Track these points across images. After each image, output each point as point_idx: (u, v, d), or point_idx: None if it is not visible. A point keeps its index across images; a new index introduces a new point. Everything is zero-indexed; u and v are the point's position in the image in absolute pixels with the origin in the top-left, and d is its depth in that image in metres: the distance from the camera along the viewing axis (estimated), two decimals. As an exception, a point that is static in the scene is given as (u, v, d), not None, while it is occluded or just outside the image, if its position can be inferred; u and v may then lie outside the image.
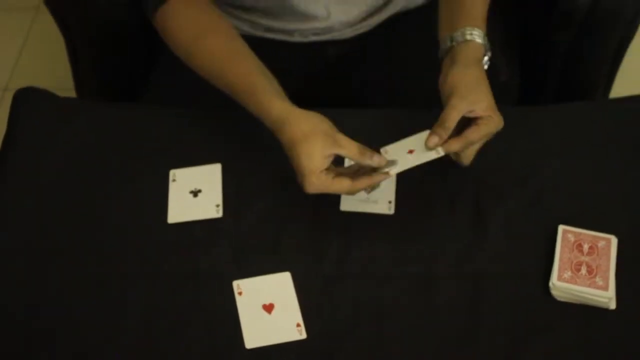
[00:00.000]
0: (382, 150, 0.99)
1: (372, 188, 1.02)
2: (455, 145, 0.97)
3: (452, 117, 0.96)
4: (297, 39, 1.24)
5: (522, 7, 1.39)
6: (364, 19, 1.24)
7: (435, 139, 0.96)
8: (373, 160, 0.96)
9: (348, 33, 1.24)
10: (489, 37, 1.10)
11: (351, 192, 0.98)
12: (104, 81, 1.44)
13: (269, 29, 1.23)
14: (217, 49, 1.08)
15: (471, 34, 1.03)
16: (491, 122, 0.97)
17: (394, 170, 0.97)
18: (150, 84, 1.30)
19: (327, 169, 0.96)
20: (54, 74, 1.22)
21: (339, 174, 0.97)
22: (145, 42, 1.35)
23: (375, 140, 1.04)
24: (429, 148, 0.96)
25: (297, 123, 0.97)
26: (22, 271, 0.99)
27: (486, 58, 1.05)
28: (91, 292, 0.96)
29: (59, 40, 1.47)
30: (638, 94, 1.14)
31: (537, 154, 1.07)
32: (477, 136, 0.98)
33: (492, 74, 1.04)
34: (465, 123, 0.98)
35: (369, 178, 0.97)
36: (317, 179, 0.95)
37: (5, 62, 2.14)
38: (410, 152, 0.98)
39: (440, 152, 0.97)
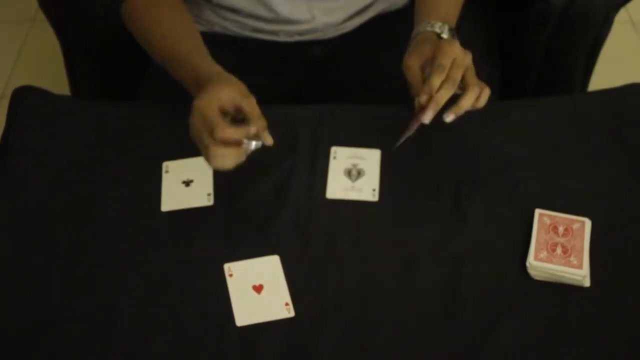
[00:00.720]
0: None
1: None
2: (433, 80, 1.00)
3: (413, 75, 1.02)
4: (282, 38, 1.28)
5: (499, 9, 1.45)
6: (347, 20, 1.29)
7: (430, 114, 1.00)
8: (264, 133, 0.97)
9: (331, 33, 1.29)
10: (468, 42, 1.15)
11: (216, 133, 0.95)
12: (100, 84, 1.48)
13: (255, 30, 1.28)
14: (166, 33, 1.15)
15: (428, 26, 1.09)
16: (443, 43, 1.02)
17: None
18: (143, 85, 1.34)
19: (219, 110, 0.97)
20: (50, 82, 1.25)
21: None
22: (140, 47, 1.40)
23: (369, 136, 1.09)
24: (426, 121, 1.01)
25: (223, 76, 1.03)
26: (22, 265, 1.01)
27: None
28: (88, 279, 0.99)
29: (54, 51, 1.51)
30: (610, 87, 1.19)
31: (514, 144, 1.12)
32: (444, 58, 1.00)
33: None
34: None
35: (237, 130, 0.96)
36: (208, 100, 0.97)
37: (2, 71, 2.18)
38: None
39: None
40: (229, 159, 0.97)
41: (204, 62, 1.09)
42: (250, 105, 0.99)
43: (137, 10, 1.19)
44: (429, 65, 1.03)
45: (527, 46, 1.39)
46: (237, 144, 0.97)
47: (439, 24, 1.10)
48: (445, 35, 1.09)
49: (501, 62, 1.43)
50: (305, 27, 1.27)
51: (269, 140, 0.98)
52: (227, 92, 0.99)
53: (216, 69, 1.07)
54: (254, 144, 0.98)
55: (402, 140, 1.04)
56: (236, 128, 0.97)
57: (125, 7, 1.20)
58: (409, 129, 1.03)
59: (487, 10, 1.44)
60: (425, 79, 1.02)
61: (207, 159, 0.98)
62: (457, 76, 1.01)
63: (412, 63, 1.04)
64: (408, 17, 1.19)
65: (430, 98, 1.00)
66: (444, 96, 1.00)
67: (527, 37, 1.38)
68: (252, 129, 0.97)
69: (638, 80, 1.20)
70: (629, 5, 1.39)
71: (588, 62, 1.40)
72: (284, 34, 1.28)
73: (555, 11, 1.31)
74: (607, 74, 1.48)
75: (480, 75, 1.24)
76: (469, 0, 1.18)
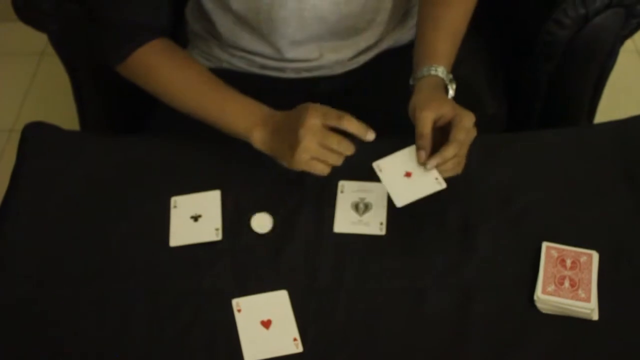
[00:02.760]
0: (374, 165, 1.05)
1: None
2: (449, 151, 1.02)
3: (424, 125, 1.03)
4: (289, 75, 1.30)
5: (505, 41, 1.46)
6: (354, 57, 1.31)
7: (422, 153, 1.02)
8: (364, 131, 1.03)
9: (338, 69, 1.30)
10: (474, 73, 1.16)
11: (342, 147, 1.03)
12: (109, 118, 1.49)
13: (263, 67, 1.29)
14: (185, 80, 1.16)
15: (435, 70, 1.11)
16: (464, 116, 1.03)
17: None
18: (152, 119, 1.36)
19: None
20: (59, 116, 1.27)
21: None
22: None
23: (372, 170, 1.09)
24: (421, 163, 1.02)
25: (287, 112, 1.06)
26: (31, 295, 1.02)
27: (451, 92, 1.12)
28: (96, 312, 1.00)
29: (63, 84, 1.52)
30: (617, 120, 1.19)
31: (521, 176, 1.12)
32: (462, 133, 1.02)
33: (479, 106, 1.10)
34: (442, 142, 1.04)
35: (357, 124, 1.03)
36: (311, 124, 1.01)
37: (12, 104, 2.20)
38: (408, 174, 1.04)
39: (442, 184, 1.03)
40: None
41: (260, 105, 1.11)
42: (348, 123, 1.04)
43: (140, 73, 1.19)
44: (440, 123, 1.04)
45: (532, 77, 1.40)
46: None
47: (442, 69, 1.11)
48: (449, 85, 1.11)
49: (507, 93, 1.44)
50: (312, 64, 1.29)
51: (370, 136, 1.03)
52: (316, 116, 1.03)
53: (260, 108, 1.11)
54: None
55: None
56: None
57: (125, 69, 1.20)
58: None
59: (492, 41, 1.45)
60: (436, 137, 1.04)
61: (322, 170, 1.05)
62: (465, 153, 1.05)
63: (427, 115, 1.04)
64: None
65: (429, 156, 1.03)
66: (451, 168, 1.04)
67: (532, 68, 1.38)
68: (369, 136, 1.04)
69: (642, 109, 1.21)
70: (635, 35, 1.40)
71: (594, 92, 1.40)
72: (291, 71, 1.30)
73: (560, 43, 1.32)
74: (614, 104, 1.48)
75: (486, 107, 1.25)
76: (475, 32, 1.19)
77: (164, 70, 1.17)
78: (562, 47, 1.32)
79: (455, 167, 1.05)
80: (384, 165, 1.05)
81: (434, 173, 1.03)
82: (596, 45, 1.33)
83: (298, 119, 1.03)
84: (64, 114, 1.56)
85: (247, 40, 1.26)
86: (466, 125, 1.03)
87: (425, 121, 1.03)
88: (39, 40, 1.70)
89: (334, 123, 1.03)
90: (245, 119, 1.10)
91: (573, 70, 1.36)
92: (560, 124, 1.41)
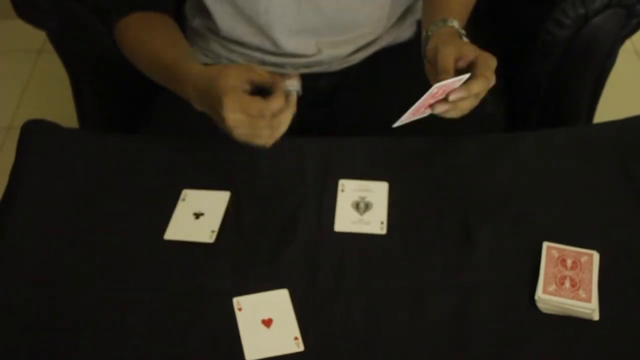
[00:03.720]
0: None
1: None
2: (476, 85, 1.01)
3: (447, 61, 1.02)
4: (288, 70, 1.30)
5: (504, 41, 1.46)
6: (353, 53, 1.31)
7: (443, 107, 1.01)
8: (286, 81, 1.00)
9: (337, 65, 1.30)
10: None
11: (268, 111, 0.99)
12: (107, 115, 1.49)
13: (261, 62, 1.29)
14: (152, 47, 1.18)
15: (450, 21, 1.11)
16: (488, 56, 1.03)
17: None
18: (150, 116, 1.36)
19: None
20: (57, 113, 1.27)
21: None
22: (146, 77, 1.41)
23: (376, 169, 1.10)
24: (437, 112, 1.02)
25: (213, 69, 1.04)
26: (31, 295, 1.02)
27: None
28: (97, 311, 1.00)
29: (60, 82, 1.52)
30: (616, 119, 1.19)
31: (521, 176, 1.12)
32: (489, 71, 1.02)
33: (478, 105, 1.10)
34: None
35: (283, 98, 1.00)
36: (234, 98, 0.98)
37: (10, 102, 2.20)
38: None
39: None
40: (286, 123, 1.01)
41: (191, 64, 1.11)
42: (259, 75, 1.02)
43: (128, 32, 1.22)
44: (461, 63, 1.04)
45: (531, 77, 1.40)
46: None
47: (457, 22, 1.11)
48: (464, 37, 1.11)
49: (506, 93, 1.44)
50: (311, 60, 1.29)
51: (295, 81, 1.01)
52: (236, 76, 1.01)
53: (206, 67, 1.09)
54: (296, 87, 1.03)
55: (405, 121, 1.04)
56: (277, 97, 1.00)
57: (117, 29, 1.23)
58: (416, 112, 1.03)
59: (491, 41, 1.45)
60: (460, 73, 1.02)
61: (266, 139, 1.02)
62: (483, 94, 1.04)
63: (451, 50, 1.03)
64: (412, 50, 1.20)
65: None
66: (467, 107, 1.03)
67: (531, 68, 1.39)
68: (289, 82, 1.01)
69: (641, 110, 1.21)
70: (634, 36, 1.40)
71: (593, 92, 1.41)
72: (290, 67, 1.30)
73: (560, 43, 1.32)
74: (613, 104, 1.49)
75: (484, 106, 1.25)
76: (474, 32, 1.19)
77: (146, 40, 1.20)
78: (562, 46, 1.33)
79: (470, 104, 1.04)
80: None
81: None
82: (595, 45, 1.33)
83: (216, 84, 1.01)
84: (62, 111, 1.56)
85: (246, 34, 1.26)
86: (491, 65, 1.03)
87: (449, 56, 1.02)
88: (37, 37, 1.71)
89: (251, 78, 1.02)
90: (181, 79, 1.10)
91: (572, 70, 1.36)
92: (559, 123, 1.41)
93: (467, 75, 1.01)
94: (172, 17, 1.25)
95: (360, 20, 1.27)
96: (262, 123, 1.00)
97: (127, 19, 1.22)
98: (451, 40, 1.07)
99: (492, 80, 1.03)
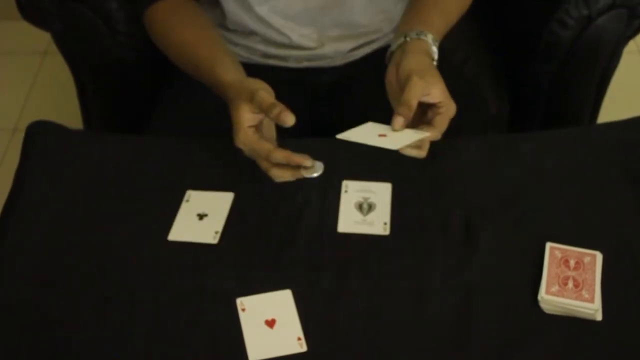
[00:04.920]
0: (339, 136, 1.03)
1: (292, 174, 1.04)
2: (431, 136, 1.02)
3: (414, 96, 1.01)
4: (291, 64, 1.30)
5: (507, 42, 1.46)
6: (356, 49, 1.31)
7: (400, 120, 1.01)
8: (280, 116, 1.00)
9: (340, 60, 1.31)
10: (477, 75, 1.16)
11: (269, 159, 1.02)
12: (112, 116, 1.50)
13: (265, 55, 1.30)
14: (186, 39, 1.19)
15: (425, 35, 1.09)
16: (451, 106, 1.03)
17: (310, 171, 1.03)
18: (155, 117, 1.36)
19: (257, 129, 1.03)
20: (62, 115, 1.27)
21: (265, 139, 1.03)
22: (150, 77, 1.42)
23: (380, 170, 1.10)
24: (395, 129, 1.01)
25: (236, 89, 1.06)
26: (34, 294, 1.02)
27: (434, 62, 1.11)
28: (99, 312, 1.00)
29: (65, 84, 1.53)
30: (620, 120, 1.19)
31: (524, 176, 1.12)
32: (446, 123, 1.03)
33: (482, 107, 1.10)
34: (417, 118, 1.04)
35: (288, 154, 1.01)
36: (244, 133, 1.02)
37: (15, 103, 2.21)
38: (381, 135, 1.03)
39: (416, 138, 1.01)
40: (287, 175, 1.03)
41: (220, 70, 1.12)
42: (259, 101, 1.02)
43: (158, 18, 1.22)
44: (424, 99, 1.03)
45: (535, 78, 1.40)
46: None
47: (431, 36, 1.10)
48: (434, 55, 1.10)
49: (510, 93, 1.44)
50: (314, 52, 1.29)
51: (289, 121, 1.00)
52: (246, 113, 1.02)
53: (227, 80, 1.10)
54: (314, 175, 1.03)
55: (351, 139, 1.04)
56: (286, 153, 1.01)
57: (147, 15, 1.23)
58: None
59: (495, 42, 1.46)
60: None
61: (269, 176, 1.04)
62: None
63: (419, 88, 1.02)
64: None
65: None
66: (415, 151, 1.05)
67: (535, 69, 1.39)
68: (307, 162, 1.02)
69: (647, 110, 1.21)
70: (638, 37, 1.40)
71: (597, 93, 1.41)
72: (293, 60, 1.30)
73: (563, 43, 1.32)
74: (617, 105, 1.49)
75: (488, 107, 1.25)
76: (478, 33, 1.19)
77: (177, 28, 1.20)
78: (565, 47, 1.33)
79: (422, 151, 1.05)
80: (350, 135, 1.04)
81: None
82: (599, 46, 1.33)
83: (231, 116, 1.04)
84: (67, 113, 1.56)
85: (252, 24, 1.27)
86: (450, 116, 1.03)
87: (417, 93, 1.02)
88: (42, 39, 1.71)
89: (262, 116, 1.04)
90: (213, 82, 1.12)
91: (576, 71, 1.36)
92: (563, 124, 1.41)
93: (425, 135, 1.02)
94: (198, 4, 1.26)
95: (363, 20, 1.27)
96: (265, 163, 1.03)
97: (156, 5, 1.22)
98: (425, 72, 1.05)
99: (443, 130, 1.04)
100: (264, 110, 1.01)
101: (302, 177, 1.03)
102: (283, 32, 1.26)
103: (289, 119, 0.99)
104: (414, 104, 1.01)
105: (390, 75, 1.08)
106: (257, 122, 1.04)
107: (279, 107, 1.00)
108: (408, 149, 1.04)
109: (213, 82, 1.13)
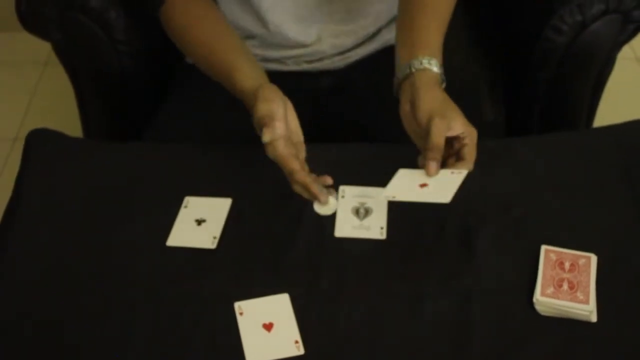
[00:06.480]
0: (384, 195, 1.06)
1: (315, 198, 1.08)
2: (464, 168, 1.03)
3: (440, 137, 1.02)
4: (291, 67, 1.31)
5: (503, 48, 1.47)
6: (354, 48, 1.32)
7: (434, 165, 1.02)
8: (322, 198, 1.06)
9: (338, 62, 1.32)
10: (473, 81, 1.16)
11: (292, 175, 1.05)
12: (111, 125, 1.51)
13: (264, 59, 1.31)
14: (203, 37, 1.20)
15: (429, 63, 1.08)
16: (473, 134, 1.04)
17: (322, 208, 1.08)
18: (153, 125, 1.37)
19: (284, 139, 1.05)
20: (62, 125, 1.28)
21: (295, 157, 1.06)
22: (149, 86, 1.43)
23: (376, 175, 1.11)
24: (431, 175, 1.02)
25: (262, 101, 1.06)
26: (34, 302, 1.03)
27: (444, 84, 1.11)
28: (99, 318, 1.01)
29: (66, 94, 1.54)
30: (615, 123, 1.20)
31: (520, 180, 1.13)
32: (472, 152, 1.04)
33: (478, 113, 1.11)
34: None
35: (309, 183, 1.05)
36: (272, 148, 1.04)
37: (16, 113, 2.22)
38: (423, 185, 1.04)
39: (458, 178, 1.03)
40: (306, 195, 1.07)
41: (241, 79, 1.13)
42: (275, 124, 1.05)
43: (175, 16, 1.23)
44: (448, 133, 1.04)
45: (531, 83, 1.41)
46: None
47: (436, 62, 1.09)
48: (442, 82, 1.10)
49: (505, 99, 1.45)
50: (312, 49, 1.30)
51: (322, 199, 1.07)
52: (281, 112, 1.05)
53: (247, 87, 1.11)
54: (324, 214, 1.09)
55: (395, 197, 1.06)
56: (307, 181, 1.05)
57: (162, 13, 1.24)
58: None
59: (491, 48, 1.47)
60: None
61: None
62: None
63: (442, 127, 1.03)
64: None
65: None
66: (465, 168, 1.05)
67: (531, 75, 1.40)
68: (322, 197, 1.07)
69: (643, 116, 1.21)
70: (634, 43, 1.41)
71: (592, 98, 1.42)
72: (292, 62, 1.31)
73: (559, 49, 1.33)
74: (612, 110, 1.49)
75: (485, 113, 1.26)
76: (474, 40, 1.20)
77: (194, 27, 1.21)
78: (560, 53, 1.34)
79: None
80: (394, 191, 1.06)
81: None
82: (594, 51, 1.34)
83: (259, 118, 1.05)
84: (67, 123, 1.57)
85: (250, 25, 1.28)
86: (475, 142, 1.05)
87: (441, 134, 1.02)
88: (43, 50, 1.72)
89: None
90: (232, 85, 1.14)
91: (571, 76, 1.37)
92: (559, 129, 1.42)
93: (463, 172, 1.04)
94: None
95: (361, 10, 1.28)
96: (288, 176, 1.06)
97: (171, 2, 1.23)
98: (444, 110, 1.05)
99: (474, 159, 1.06)
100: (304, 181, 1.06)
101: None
102: (280, 31, 1.27)
103: (324, 198, 1.08)
104: (442, 144, 1.02)
105: (405, 111, 1.08)
106: (283, 134, 1.05)
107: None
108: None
109: (231, 87, 1.14)
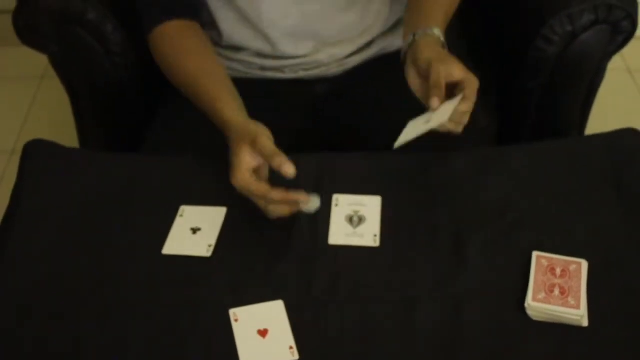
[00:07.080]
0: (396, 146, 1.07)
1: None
2: (464, 106, 1.06)
3: (440, 77, 1.05)
4: (288, 75, 1.33)
5: (494, 57, 1.49)
6: (350, 56, 1.34)
7: (436, 100, 1.05)
8: (282, 167, 1.03)
9: (335, 69, 1.34)
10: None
11: (266, 199, 1.06)
12: (107, 137, 1.52)
13: (261, 68, 1.33)
14: (191, 70, 1.22)
15: (432, 30, 1.13)
16: (473, 80, 1.07)
17: (308, 206, 1.07)
18: (149, 136, 1.38)
19: (254, 172, 1.06)
20: (59, 138, 1.30)
21: (262, 180, 1.07)
22: (145, 97, 1.45)
23: (370, 183, 1.12)
24: (434, 108, 1.05)
25: (238, 131, 1.10)
26: (32, 309, 1.04)
27: (446, 48, 1.15)
28: (95, 326, 1.01)
29: (62, 107, 1.55)
30: (606, 132, 1.22)
31: (512, 188, 1.14)
32: (472, 94, 1.07)
33: (471, 121, 1.12)
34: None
35: (285, 193, 1.05)
36: (242, 176, 1.06)
37: (13, 126, 2.23)
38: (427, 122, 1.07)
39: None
40: (284, 211, 1.07)
41: (222, 107, 1.16)
42: (260, 148, 1.06)
43: (164, 42, 1.26)
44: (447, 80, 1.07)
45: (522, 93, 1.43)
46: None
47: (438, 30, 1.14)
48: (445, 47, 1.14)
49: (497, 108, 1.46)
50: (309, 59, 1.32)
51: (290, 171, 1.04)
52: (246, 157, 1.07)
53: (229, 119, 1.13)
54: (312, 210, 1.08)
55: (403, 141, 1.07)
56: (283, 193, 1.05)
57: (151, 38, 1.26)
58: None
59: (483, 57, 1.48)
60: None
61: (265, 213, 1.08)
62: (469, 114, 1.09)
63: (442, 70, 1.06)
64: None
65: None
66: (454, 124, 1.07)
67: (523, 84, 1.41)
68: (302, 197, 1.06)
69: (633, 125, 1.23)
70: (625, 53, 1.43)
71: (583, 107, 1.43)
72: (289, 70, 1.33)
73: (549, 59, 1.35)
74: (604, 120, 1.51)
75: (477, 121, 1.27)
76: (466, 49, 1.22)
77: (181, 57, 1.24)
78: (551, 62, 1.35)
79: (460, 124, 1.09)
80: (404, 139, 1.07)
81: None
82: (584, 61, 1.36)
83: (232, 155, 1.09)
84: (64, 136, 1.58)
85: (247, 38, 1.30)
86: (475, 87, 1.07)
87: (442, 74, 1.06)
88: (40, 64, 1.74)
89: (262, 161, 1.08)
90: (215, 118, 1.16)
91: (562, 85, 1.39)
92: (550, 138, 1.43)
93: (458, 98, 1.06)
94: (201, 27, 1.29)
95: (357, 23, 1.30)
96: (262, 202, 1.07)
97: (161, 28, 1.25)
98: (443, 57, 1.10)
99: (474, 100, 1.08)
100: (266, 157, 1.06)
101: (297, 211, 1.08)
102: (278, 46, 1.29)
103: (291, 171, 1.03)
104: (443, 83, 1.06)
105: (411, 74, 1.12)
106: (256, 165, 1.07)
107: (280, 158, 1.04)
108: (447, 125, 1.07)
109: (213, 116, 1.16)
